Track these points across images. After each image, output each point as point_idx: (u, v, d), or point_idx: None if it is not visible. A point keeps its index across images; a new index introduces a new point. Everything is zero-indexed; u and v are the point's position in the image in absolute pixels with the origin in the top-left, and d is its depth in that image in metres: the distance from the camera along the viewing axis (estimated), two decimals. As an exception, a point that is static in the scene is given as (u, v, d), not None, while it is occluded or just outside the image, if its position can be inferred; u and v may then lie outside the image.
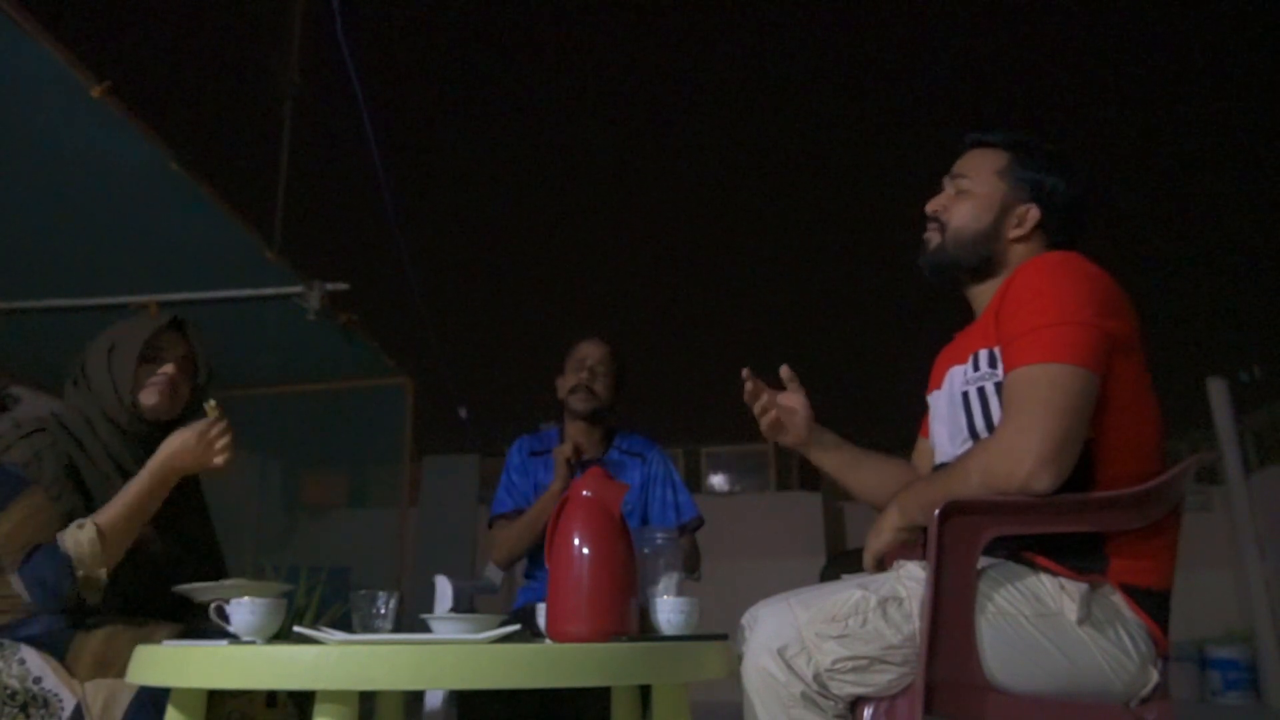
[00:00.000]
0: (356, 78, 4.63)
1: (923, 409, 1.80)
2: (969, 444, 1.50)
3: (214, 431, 1.74)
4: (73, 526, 1.61)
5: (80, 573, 1.58)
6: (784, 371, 1.78)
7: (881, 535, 1.48)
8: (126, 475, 1.76)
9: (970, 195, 1.61)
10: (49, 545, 1.60)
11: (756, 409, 1.78)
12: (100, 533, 1.60)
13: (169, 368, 1.86)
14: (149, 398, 1.83)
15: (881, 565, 1.51)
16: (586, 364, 2.59)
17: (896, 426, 1.89)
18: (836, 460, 1.80)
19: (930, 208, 1.66)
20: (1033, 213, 1.57)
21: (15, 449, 1.71)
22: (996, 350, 1.46)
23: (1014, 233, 1.58)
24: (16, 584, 1.60)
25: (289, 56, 4.92)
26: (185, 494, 1.95)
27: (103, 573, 1.60)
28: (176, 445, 1.71)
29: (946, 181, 1.66)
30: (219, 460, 1.74)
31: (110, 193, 3.63)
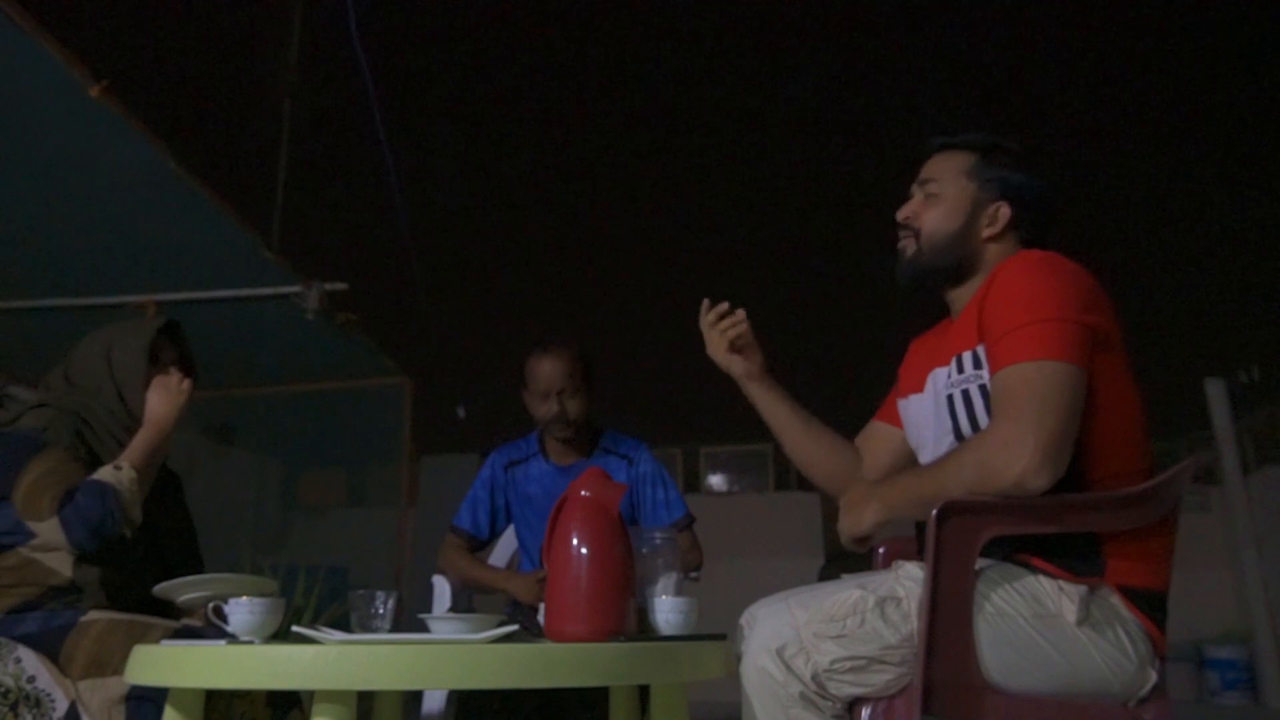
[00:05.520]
0: (370, 76, 4.62)
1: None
2: (954, 446, 1.48)
3: (172, 380, 1.89)
4: (109, 468, 1.70)
5: (126, 496, 1.67)
6: (741, 314, 1.77)
7: (861, 524, 1.46)
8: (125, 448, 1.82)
9: (941, 198, 1.60)
10: (90, 482, 1.67)
11: (721, 325, 1.75)
12: (130, 472, 1.72)
13: (175, 372, 1.92)
14: None
15: (865, 549, 1.51)
16: (553, 391, 2.43)
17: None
18: (784, 410, 1.77)
19: (901, 215, 1.65)
20: (1004, 210, 1.57)
21: (26, 418, 1.78)
22: (980, 351, 1.46)
23: (987, 232, 1.58)
24: (52, 529, 1.63)
25: (289, 55, 4.91)
26: (167, 491, 1.96)
27: (138, 511, 1.71)
28: (152, 405, 1.85)
29: (915, 188, 1.65)
30: (185, 391, 1.89)
31: (110, 193, 3.63)
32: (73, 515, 1.63)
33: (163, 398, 1.86)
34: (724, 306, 1.76)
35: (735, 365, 1.77)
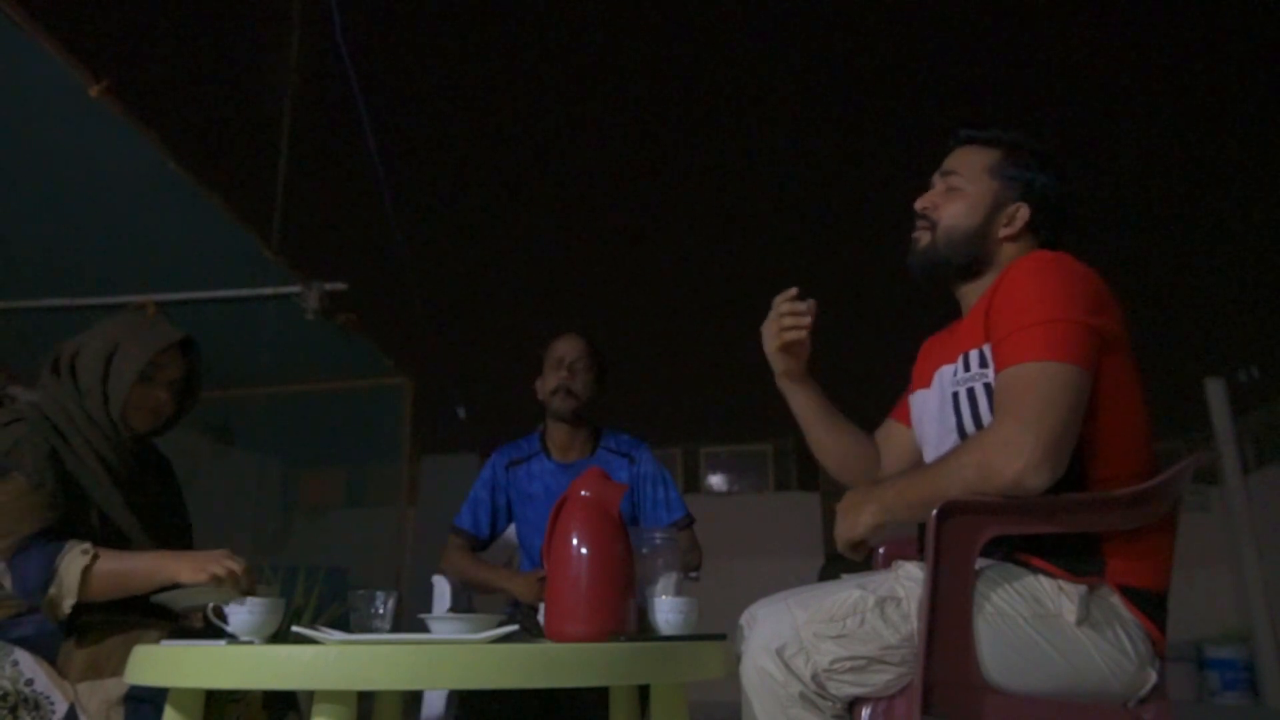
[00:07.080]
0: (355, 78, 4.63)
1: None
2: (957, 445, 1.48)
3: (214, 558, 1.66)
4: (78, 550, 1.60)
5: (52, 591, 1.58)
6: (807, 320, 1.66)
7: (857, 528, 1.43)
8: (106, 465, 1.76)
9: (961, 193, 1.59)
10: (51, 547, 1.59)
11: (786, 320, 1.65)
12: (89, 568, 1.59)
13: (163, 395, 1.85)
14: (138, 421, 1.83)
15: (862, 557, 1.50)
16: (565, 362, 2.55)
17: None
18: (812, 408, 1.75)
19: (920, 205, 1.63)
20: (1023, 212, 1.56)
21: None
22: (986, 350, 1.45)
23: (1004, 231, 1.57)
24: (2, 571, 1.60)
25: (288, 56, 4.91)
26: (163, 491, 1.94)
27: (68, 604, 1.59)
28: (179, 565, 1.65)
29: (936, 178, 1.64)
30: (202, 577, 1.65)
31: (110, 193, 3.64)
32: (18, 568, 1.59)
33: (192, 567, 1.64)
34: (803, 306, 1.66)
35: (777, 362, 1.72)
